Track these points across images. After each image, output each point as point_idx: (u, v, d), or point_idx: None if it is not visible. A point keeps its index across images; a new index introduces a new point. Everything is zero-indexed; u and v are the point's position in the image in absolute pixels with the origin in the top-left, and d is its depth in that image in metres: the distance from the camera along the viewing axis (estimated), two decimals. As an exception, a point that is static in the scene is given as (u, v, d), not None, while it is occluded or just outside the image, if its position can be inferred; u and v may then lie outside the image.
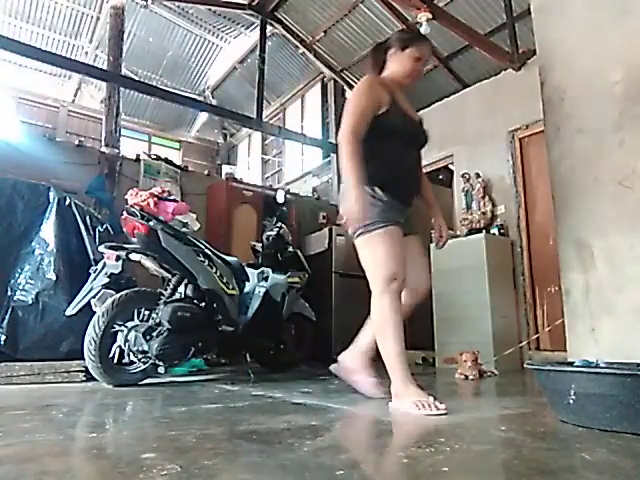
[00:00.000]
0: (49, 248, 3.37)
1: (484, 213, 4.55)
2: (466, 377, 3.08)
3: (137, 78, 7.49)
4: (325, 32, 6.26)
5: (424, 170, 2.24)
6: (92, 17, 7.25)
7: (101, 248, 2.86)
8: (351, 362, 2.17)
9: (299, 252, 3.91)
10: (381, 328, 1.84)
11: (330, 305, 4.98)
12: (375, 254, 1.88)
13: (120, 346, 2.70)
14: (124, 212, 2.88)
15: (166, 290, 2.86)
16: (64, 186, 4.01)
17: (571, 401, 1.40)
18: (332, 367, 2.28)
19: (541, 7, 2.41)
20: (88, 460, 1.13)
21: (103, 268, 2.82)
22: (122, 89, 5.51)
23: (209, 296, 2.97)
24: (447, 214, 5.43)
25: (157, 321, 2.71)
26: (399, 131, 1.97)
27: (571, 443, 1.24)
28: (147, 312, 2.80)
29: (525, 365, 1.66)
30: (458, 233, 4.70)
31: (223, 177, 5.92)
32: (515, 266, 4.35)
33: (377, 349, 1.94)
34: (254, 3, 6.40)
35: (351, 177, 1.79)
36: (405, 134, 2.00)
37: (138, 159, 5.47)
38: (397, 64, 2.07)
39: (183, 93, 7.43)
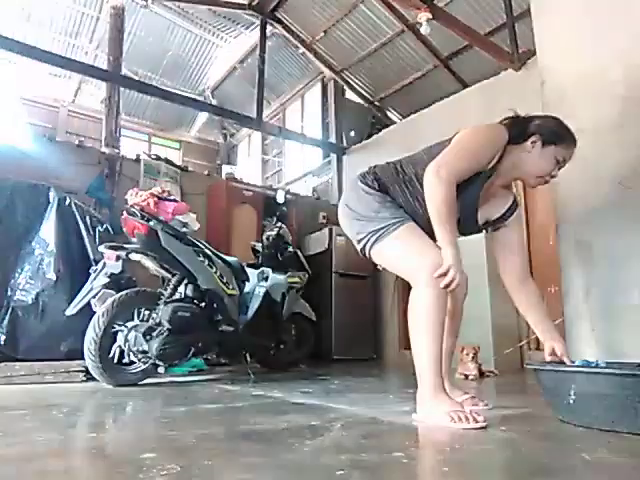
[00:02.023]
0: (49, 248, 3.37)
1: (484, 213, 4.55)
2: (466, 377, 3.08)
3: (137, 78, 7.48)
4: (325, 32, 6.26)
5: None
6: (92, 17, 7.25)
7: (101, 248, 2.86)
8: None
9: (299, 252, 3.92)
10: (420, 326, 1.55)
11: (330, 305, 4.98)
12: (408, 246, 1.63)
13: (120, 346, 2.70)
14: (124, 212, 2.88)
15: (166, 290, 2.86)
16: (64, 186, 4.01)
17: (571, 401, 1.40)
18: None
19: (541, 7, 2.41)
20: (88, 460, 1.13)
21: (103, 268, 2.82)
22: (122, 89, 5.51)
23: (209, 296, 2.97)
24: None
25: (157, 321, 2.71)
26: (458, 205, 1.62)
27: (571, 443, 1.24)
28: (147, 312, 2.80)
29: (525, 365, 1.66)
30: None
31: (223, 177, 5.92)
32: (515, 266, 4.34)
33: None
34: (254, 3, 6.40)
35: (445, 230, 1.52)
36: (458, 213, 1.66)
37: (138, 159, 5.47)
38: (536, 158, 1.68)
39: (183, 93, 7.42)
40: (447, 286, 1.52)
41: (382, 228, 1.65)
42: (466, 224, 1.76)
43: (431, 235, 1.65)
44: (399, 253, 1.66)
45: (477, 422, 1.40)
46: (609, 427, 1.33)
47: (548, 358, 1.67)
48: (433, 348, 1.52)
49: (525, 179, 1.77)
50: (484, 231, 1.88)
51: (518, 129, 1.69)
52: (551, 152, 1.68)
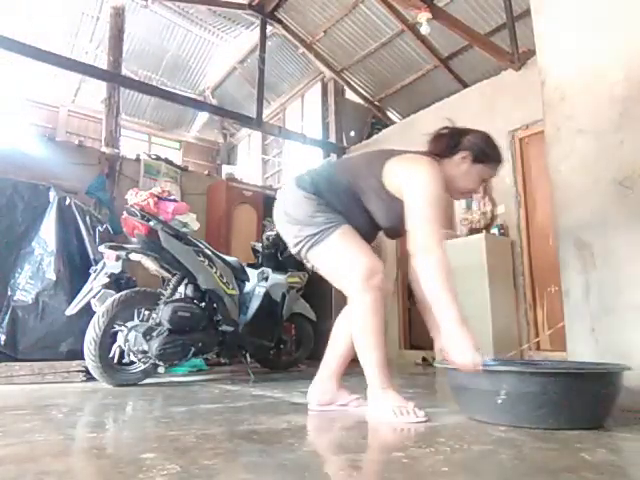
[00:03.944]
0: (49, 248, 3.38)
1: (484, 213, 4.55)
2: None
3: (137, 78, 7.48)
4: (325, 32, 6.26)
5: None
6: (92, 17, 7.25)
7: (101, 248, 2.86)
8: (326, 393, 1.83)
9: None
10: (362, 330, 1.63)
11: (330, 305, 4.97)
12: (341, 251, 1.67)
13: (120, 346, 2.70)
14: (124, 212, 2.88)
15: (166, 290, 2.86)
16: (64, 186, 4.02)
17: (499, 401, 1.42)
18: (311, 407, 1.83)
19: (541, 7, 2.41)
20: (88, 460, 1.13)
21: (103, 268, 2.82)
22: (122, 89, 5.51)
23: (209, 296, 2.97)
24: (447, 214, 5.44)
25: (157, 321, 2.71)
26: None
27: (571, 443, 1.24)
28: (147, 312, 2.80)
29: (436, 364, 1.68)
30: (458, 233, 4.70)
31: (223, 177, 5.92)
32: (515, 266, 4.35)
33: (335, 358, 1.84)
34: (254, 3, 6.40)
35: (452, 311, 1.50)
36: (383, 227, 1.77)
37: (138, 159, 5.47)
38: (463, 174, 1.73)
39: (183, 93, 7.43)
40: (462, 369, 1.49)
41: (318, 233, 1.67)
42: (393, 232, 1.82)
43: (370, 235, 1.74)
44: (333, 259, 1.70)
45: (418, 417, 1.52)
46: (537, 425, 1.39)
47: (438, 353, 1.75)
48: (378, 353, 1.62)
49: (451, 193, 1.79)
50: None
51: (451, 141, 1.73)
52: (479, 170, 1.73)
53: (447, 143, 1.73)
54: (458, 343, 1.49)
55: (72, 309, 2.86)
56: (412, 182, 1.62)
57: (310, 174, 1.82)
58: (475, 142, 1.73)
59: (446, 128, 1.80)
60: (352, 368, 1.87)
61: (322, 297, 4.93)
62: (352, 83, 6.64)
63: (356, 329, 1.66)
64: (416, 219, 1.59)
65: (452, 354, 1.49)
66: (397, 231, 1.77)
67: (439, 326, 1.63)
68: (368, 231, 1.78)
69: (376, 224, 1.79)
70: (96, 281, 2.82)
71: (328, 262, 1.73)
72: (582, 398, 1.39)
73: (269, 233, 3.69)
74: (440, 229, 1.57)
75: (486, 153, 1.73)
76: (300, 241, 1.72)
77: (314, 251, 1.70)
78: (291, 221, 1.75)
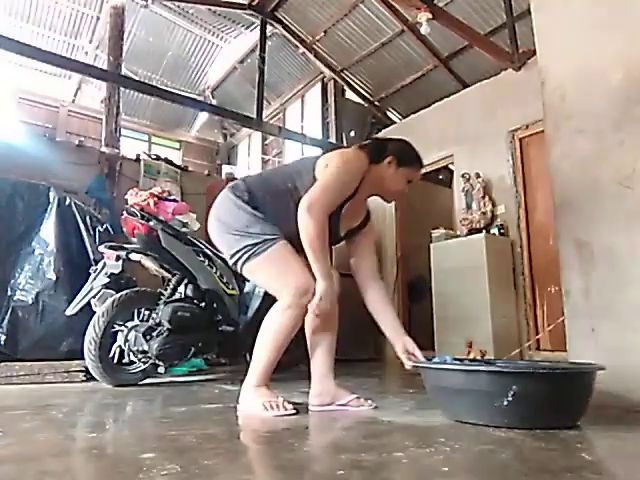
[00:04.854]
0: (49, 248, 3.37)
1: (484, 213, 4.55)
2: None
3: (137, 78, 7.48)
4: (325, 32, 6.26)
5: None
6: (92, 17, 7.25)
7: (101, 248, 2.86)
8: (325, 394, 1.85)
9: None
10: (270, 338, 1.73)
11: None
12: (278, 267, 1.72)
13: (120, 346, 2.70)
14: (124, 212, 2.88)
15: (166, 290, 2.86)
16: (64, 186, 4.02)
17: (466, 400, 1.49)
18: (312, 408, 1.84)
19: (541, 7, 2.41)
20: (88, 460, 1.13)
21: (103, 268, 2.82)
22: (122, 89, 5.51)
23: (209, 296, 2.97)
24: (447, 214, 5.44)
25: (157, 321, 2.71)
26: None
27: (571, 443, 1.24)
28: (147, 312, 2.80)
29: (409, 365, 1.76)
30: (458, 233, 4.70)
31: (223, 177, 5.92)
32: (515, 266, 4.35)
33: (319, 356, 1.87)
34: (254, 3, 6.40)
35: (319, 264, 1.64)
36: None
37: (138, 159, 5.47)
38: (391, 177, 1.86)
39: (183, 93, 7.42)
40: (315, 312, 1.66)
41: (254, 245, 1.71)
42: (330, 238, 1.85)
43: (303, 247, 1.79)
44: (268, 273, 1.76)
45: (286, 410, 1.64)
46: (471, 419, 1.46)
47: (402, 355, 1.81)
48: (271, 357, 1.74)
49: (382, 195, 1.94)
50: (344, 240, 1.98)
51: (377, 150, 1.87)
52: (404, 173, 1.88)
53: (374, 150, 1.87)
54: (319, 291, 1.65)
55: (72, 309, 2.86)
56: (333, 159, 1.77)
57: (245, 180, 1.87)
58: (398, 148, 1.90)
59: (371, 138, 2.01)
60: (350, 369, 1.87)
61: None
62: (352, 83, 6.64)
63: (267, 328, 1.74)
64: (316, 183, 1.71)
65: (316, 299, 1.66)
66: (335, 233, 1.84)
67: (395, 330, 1.82)
68: None
69: None
70: (96, 281, 2.82)
71: (263, 276, 1.80)
72: (542, 397, 1.42)
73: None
74: (332, 200, 1.70)
75: (409, 157, 1.90)
76: (236, 252, 1.74)
77: (249, 264, 1.74)
78: (227, 230, 1.78)
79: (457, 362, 1.69)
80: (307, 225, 1.64)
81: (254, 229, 1.72)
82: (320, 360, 1.88)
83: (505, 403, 1.38)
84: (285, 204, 1.77)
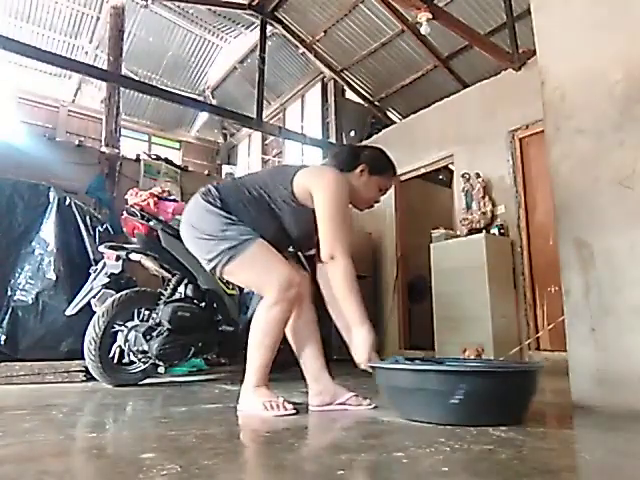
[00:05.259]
0: (49, 248, 3.37)
1: (484, 213, 4.55)
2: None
3: (137, 78, 7.48)
4: (325, 32, 6.26)
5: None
6: (92, 17, 7.25)
7: (101, 248, 2.86)
8: (324, 393, 1.85)
9: (299, 252, 3.91)
10: (261, 335, 1.74)
11: (330, 305, 4.97)
12: (260, 264, 1.73)
13: (120, 346, 2.70)
14: (124, 212, 2.88)
15: (166, 290, 2.86)
16: (64, 186, 4.02)
17: (418, 398, 1.51)
18: (312, 408, 1.84)
19: (541, 7, 2.40)
20: (88, 460, 1.13)
21: (103, 268, 2.82)
22: (122, 89, 5.51)
23: (209, 296, 2.97)
24: (447, 214, 5.44)
25: (157, 321, 2.71)
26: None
27: (571, 443, 1.24)
28: (147, 312, 2.80)
29: (363, 366, 1.72)
30: (458, 233, 4.70)
31: (223, 177, 5.92)
32: (515, 266, 4.35)
33: (311, 354, 1.89)
34: (254, 3, 6.40)
35: (355, 314, 1.66)
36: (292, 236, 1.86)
37: (138, 159, 5.48)
38: (363, 186, 1.87)
39: (183, 93, 7.42)
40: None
41: (233, 247, 1.70)
42: (305, 242, 1.93)
43: (281, 245, 1.82)
44: (250, 272, 1.76)
45: (286, 410, 1.64)
46: (415, 417, 1.50)
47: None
48: (266, 356, 1.76)
49: (355, 204, 1.92)
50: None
51: (350, 158, 1.88)
52: (376, 181, 1.88)
53: (347, 159, 1.88)
54: (357, 342, 1.67)
55: (72, 309, 2.86)
56: (320, 188, 1.74)
57: (217, 187, 1.86)
58: (371, 156, 1.90)
59: (344, 146, 1.95)
60: (351, 368, 1.87)
61: (322, 297, 4.93)
62: (352, 83, 6.64)
63: (257, 327, 1.75)
64: (324, 227, 1.71)
65: (352, 351, 1.68)
66: (308, 241, 1.88)
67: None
68: (279, 241, 1.82)
69: (287, 234, 1.86)
70: (96, 281, 2.82)
71: (245, 276, 1.80)
72: (489, 396, 1.45)
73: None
74: (346, 234, 1.70)
75: (381, 165, 1.90)
76: (216, 256, 1.73)
77: (229, 266, 1.73)
78: (201, 236, 1.77)
79: (408, 362, 1.70)
80: (341, 267, 1.66)
81: (230, 232, 1.72)
82: (309, 361, 1.90)
83: (456, 401, 1.40)
84: (259, 212, 1.79)
